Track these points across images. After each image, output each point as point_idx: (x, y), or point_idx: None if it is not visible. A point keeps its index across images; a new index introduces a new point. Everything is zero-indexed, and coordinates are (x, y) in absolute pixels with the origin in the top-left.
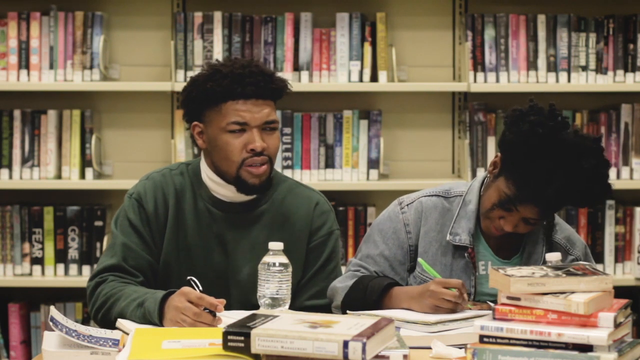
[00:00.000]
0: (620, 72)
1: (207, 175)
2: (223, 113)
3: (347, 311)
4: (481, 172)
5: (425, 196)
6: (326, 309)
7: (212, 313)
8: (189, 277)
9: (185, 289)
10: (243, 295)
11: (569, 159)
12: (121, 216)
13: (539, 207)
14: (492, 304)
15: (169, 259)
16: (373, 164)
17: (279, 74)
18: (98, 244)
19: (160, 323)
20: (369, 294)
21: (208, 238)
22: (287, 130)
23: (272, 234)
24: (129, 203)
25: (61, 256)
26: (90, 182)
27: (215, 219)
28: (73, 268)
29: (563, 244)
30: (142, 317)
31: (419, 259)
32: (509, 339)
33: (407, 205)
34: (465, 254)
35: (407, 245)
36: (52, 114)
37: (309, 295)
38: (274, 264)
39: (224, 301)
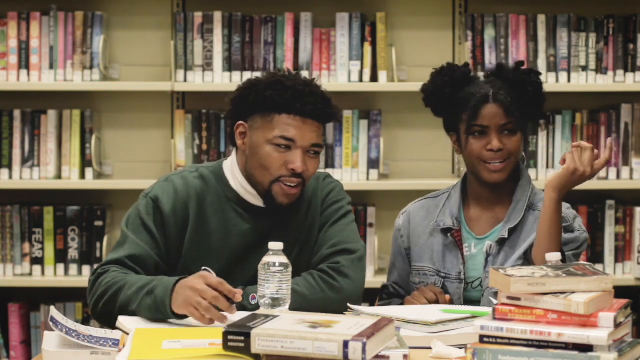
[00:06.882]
0: (620, 72)
1: (239, 180)
2: (274, 124)
3: (347, 304)
4: None
5: (415, 202)
6: (348, 252)
7: (230, 301)
8: (203, 268)
9: (204, 272)
10: None
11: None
12: (133, 214)
13: (492, 102)
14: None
15: (189, 262)
16: (373, 164)
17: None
18: (98, 244)
19: (170, 309)
20: None
21: (233, 243)
22: None
23: (296, 246)
24: (144, 202)
25: (61, 256)
26: (90, 182)
27: (242, 223)
28: (73, 268)
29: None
30: (152, 305)
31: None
32: (509, 339)
33: (402, 214)
34: (449, 235)
35: (404, 250)
36: (52, 114)
37: (329, 245)
38: (274, 264)
39: (241, 291)
